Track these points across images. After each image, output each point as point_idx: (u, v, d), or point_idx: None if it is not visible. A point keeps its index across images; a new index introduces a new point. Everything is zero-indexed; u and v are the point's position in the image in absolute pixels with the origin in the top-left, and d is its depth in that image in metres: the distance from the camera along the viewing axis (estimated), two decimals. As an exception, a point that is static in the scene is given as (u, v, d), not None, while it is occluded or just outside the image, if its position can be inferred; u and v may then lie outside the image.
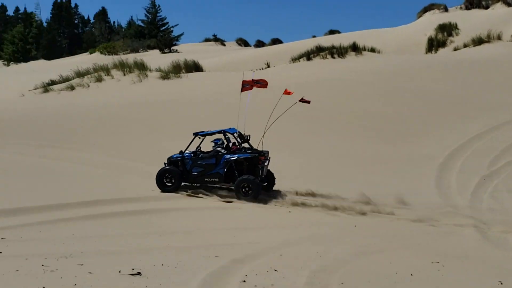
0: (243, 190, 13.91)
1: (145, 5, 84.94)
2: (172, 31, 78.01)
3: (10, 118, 23.22)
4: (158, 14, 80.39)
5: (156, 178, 14.59)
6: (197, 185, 14.78)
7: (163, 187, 14.56)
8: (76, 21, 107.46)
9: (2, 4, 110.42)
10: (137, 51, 64.47)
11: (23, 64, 68.37)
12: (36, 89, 31.41)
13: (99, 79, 29.73)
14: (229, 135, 14.87)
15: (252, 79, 15.53)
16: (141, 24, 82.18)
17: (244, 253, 9.63)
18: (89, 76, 30.91)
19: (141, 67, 30.67)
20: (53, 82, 32.28)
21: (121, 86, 28.84)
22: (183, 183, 14.76)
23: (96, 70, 31.64)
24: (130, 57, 38.35)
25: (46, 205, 12.37)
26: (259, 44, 74.84)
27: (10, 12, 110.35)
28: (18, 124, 22.17)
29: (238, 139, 14.81)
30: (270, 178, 14.93)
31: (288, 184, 15.02)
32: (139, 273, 8.21)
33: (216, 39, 77.86)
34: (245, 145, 15.00)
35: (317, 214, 13.04)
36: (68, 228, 10.86)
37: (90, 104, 25.51)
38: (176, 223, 11.92)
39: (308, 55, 36.00)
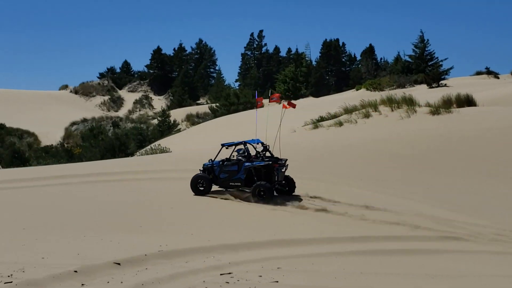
0: (259, 193, 16.19)
1: (413, 41, 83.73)
2: (441, 65, 75.88)
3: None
4: (426, 49, 79.02)
5: (191, 183, 17.09)
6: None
7: (197, 191, 17.02)
8: (343, 59, 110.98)
9: (276, 46, 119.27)
10: (403, 87, 63.95)
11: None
12: (306, 125, 32.84)
13: (367, 115, 29.92)
14: (248, 145, 17.37)
15: (270, 96, 19.89)
16: (408, 59, 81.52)
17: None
18: (356, 112, 31.36)
19: (409, 102, 30.15)
20: (322, 119, 33.52)
21: (389, 122, 28.69)
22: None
23: (363, 106, 31.93)
24: (397, 93, 38.11)
25: (318, 238, 12.71)
26: (540, 76, 69.06)
27: (283, 53, 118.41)
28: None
29: (260, 149, 17.17)
30: (290, 183, 17.29)
31: None
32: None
33: (488, 72, 73.73)
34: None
35: None
36: (339, 262, 10.93)
37: (358, 139, 25.83)
38: (448, 266, 11.28)
39: None
